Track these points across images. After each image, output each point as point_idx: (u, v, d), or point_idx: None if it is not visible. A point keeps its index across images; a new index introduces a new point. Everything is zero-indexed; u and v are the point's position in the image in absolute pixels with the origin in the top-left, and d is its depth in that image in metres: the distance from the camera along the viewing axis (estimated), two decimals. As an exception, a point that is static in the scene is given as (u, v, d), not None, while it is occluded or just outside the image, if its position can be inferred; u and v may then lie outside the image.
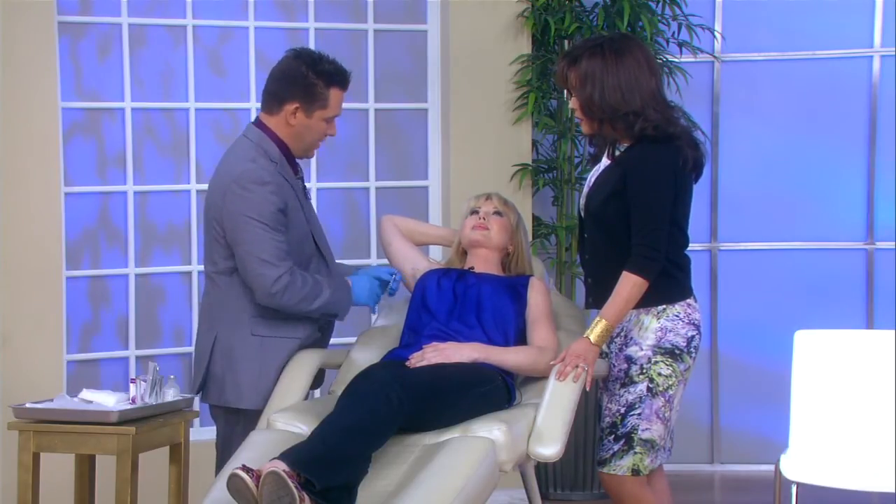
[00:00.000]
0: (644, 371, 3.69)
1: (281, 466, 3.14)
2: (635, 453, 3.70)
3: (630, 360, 3.71)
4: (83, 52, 5.26)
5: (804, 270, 6.26)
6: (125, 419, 3.61)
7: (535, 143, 5.82)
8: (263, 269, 3.70)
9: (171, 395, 3.78)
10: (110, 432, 3.59)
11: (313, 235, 3.91)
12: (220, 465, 3.85)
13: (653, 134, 3.65)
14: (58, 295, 5.08)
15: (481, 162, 5.60)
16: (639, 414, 3.69)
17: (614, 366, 3.75)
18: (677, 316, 3.70)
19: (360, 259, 5.65)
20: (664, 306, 3.69)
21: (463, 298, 3.91)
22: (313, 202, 5.49)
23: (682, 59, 5.82)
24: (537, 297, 3.93)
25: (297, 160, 3.96)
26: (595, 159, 3.88)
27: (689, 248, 3.78)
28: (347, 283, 3.89)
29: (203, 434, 5.13)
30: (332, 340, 4.09)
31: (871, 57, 6.19)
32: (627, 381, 3.71)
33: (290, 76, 3.82)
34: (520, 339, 3.88)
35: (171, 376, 3.82)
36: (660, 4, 5.72)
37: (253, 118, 4.10)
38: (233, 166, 3.81)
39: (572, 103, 3.75)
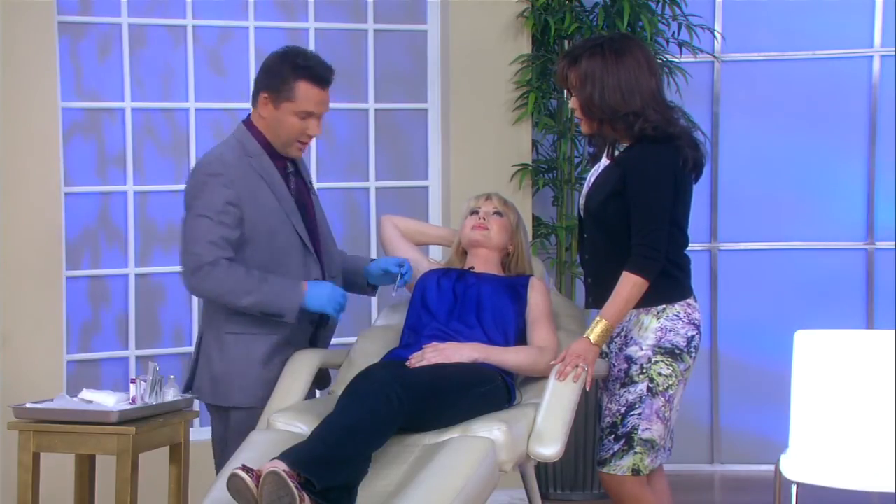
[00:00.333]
0: (644, 371, 3.69)
1: (281, 466, 3.14)
2: (635, 453, 3.70)
3: (630, 359, 3.71)
4: (83, 52, 5.26)
5: (804, 270, 6.26)
6: (125, 419, 3.61)
7: (535, 143, 5.82)
8: (189, 255, 3.75)
9: (171, 395, 3.78)
10: (110, 432, 3.59)
11: (297, 230, 3.88)
12: (217, 464, 3.86)
13: (652, 134, 3.65)
14: (58, 295, 5.08)
15: (481, 162, 5.60)
16: (639, 414, 3.69)
17: (614, 366, 3.75)
18: (677, 316, 3.70)
19: (360, 259, 5.65)
20: (664, 306, 3.69)
21: (463, 298, 3.91)
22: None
23: (682, 59, 5.82)
24: (537, 297, 3.93)
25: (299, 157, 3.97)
26: (594, 159, 3.88)
27: (689, 248, 3.78)
28: (299, 287, 3.80)
29: (203, 434, 5.11)
30: (333, 340, 4.09)
31: (871, 57, 6.19)
32: (627, 381, 3.71)
33: (266, 67, 3.90)
34: (520, 339, 3.88)
35: (171, 376, 3.82)
36: (660, 4, 5.73)
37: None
38: (200, 159, 3.92)
39: (572, 103, 3.75)
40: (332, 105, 5.76)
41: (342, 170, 5.68)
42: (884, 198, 6.19)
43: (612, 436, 3.72)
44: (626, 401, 3.71)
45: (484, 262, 4.04)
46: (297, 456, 3.19)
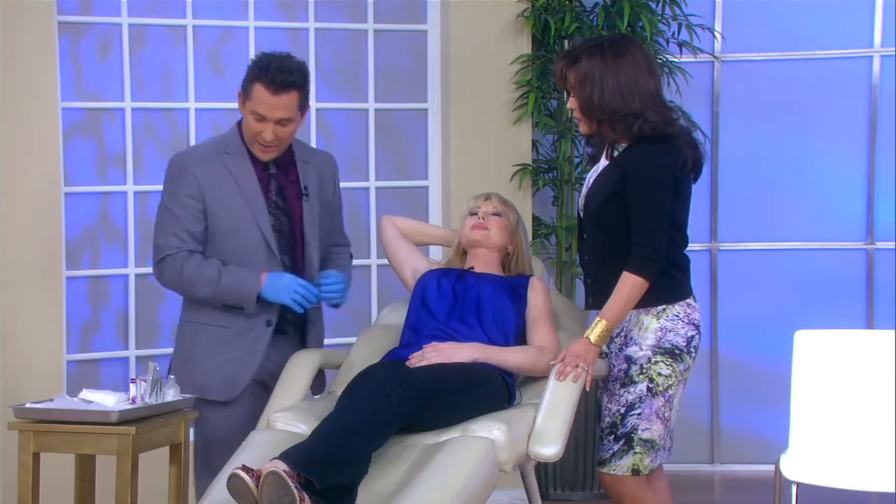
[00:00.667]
0: (644, 371, 3.69)
1: (281, 466, 3.14)
2: (635, 453, 3.70)
3: (630, 360, 3.71)
4: (83, 52, 5.26)
5: (804, 270, 6.26)
6: (125, 419, 3.60)
7: (535, 143, 5.82)
8: (153, 246, 3.92)
9: (171, 395, 3.77)
10: (110, 432, 3.58)
11: (262, 231, 3.88)
12: (196, 454, 3.95)
13: (651, 134, 3.65)
14: (58, 295, 5.08)
15: (481, 162, 5.60)
16: (639, 414, 3.69)
17: (614, 366, 3.75)
18: (677, 316, 3.70)
19: (361, 259, 5.65)
20: (664, 306, 3.69)
21: (463, 298, 3.91)
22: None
23: (682, 59, 5.82)
24: (537, 297, 3.93)
25: (298, 157, 3.99)
26: (593, 160, 3.88)
27: (688, 248, 3.78)
28: (257, 277, 3.84)
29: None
30: (333, 340, 4.10)
31: (871, 57, 6.19)
32: (627, 381, 3.71)
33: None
34: (520, 339, 3.88)
35: (171, 376, 3.82)
36: (660, 4, 5.72)
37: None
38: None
39: (571, 103, 3.75)
40: (332, 105, 5.79)
41: (342, 170, 5.61)
42: (884, 198, 6.19)
43: (612, 436, 3.72)
44: (626, 401, 3.71)
45: (484, 263, 4.04)
46: (297, 456, 3.20)
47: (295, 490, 3.10)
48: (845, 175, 6.26)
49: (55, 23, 5.07)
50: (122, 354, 5.34)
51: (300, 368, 3.88)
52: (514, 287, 3.94)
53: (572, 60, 3.71)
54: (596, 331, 3.62)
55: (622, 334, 3.73)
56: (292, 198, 3.97)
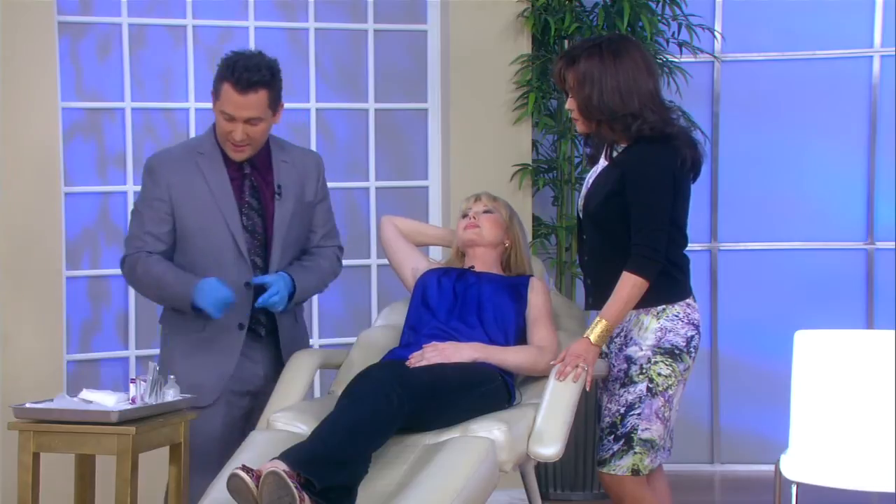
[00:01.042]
0: (644, 371, 3.69)
1: (281, 466, 3.14)
2: (635, 453, 3.70)
3: (630, 360, 3.71)
4: (83, 52, 5.26)
5: (804, 270, 6.27)
6: (125, 419, 3.60)
7: (535, 143, 5.82)
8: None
9: (171, 395, 3.77)
10: (110, 432, 3.58)
11: (232, 232, 3.86)
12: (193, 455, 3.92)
13: (650, 134, 3.65)
14: (58, 295, 5.08)
15: (481, 162, 5.60)
16: (638, 414, 3.69)
17: (614, 366, 3.75)
18: (677, 316, 3.70)
19: (361, 259, 5.65)
20: (664, 306, 3.69)
21: (463, 297, 3.91)
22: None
23: (682, 59, 5.82)
24: (537, 297, 3.93)
25: (282, 158, 3.97)
26: (592, 160, 3.87)
27: (688, 248, 3.78)
28: (193, 283, 3.81)
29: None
30: (333, 340, 4.10)
31: (871, 57, 6.19)
32: (627, 381, 3.71)
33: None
34: (520, 338, 3.88)
35: (171, 376, 3.82)
36: (660, 4, 5.72)
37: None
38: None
39: (569, 103, 3.74)
40: (332, 105, 5.78)
41: (342, 170, 5.68)
42: (884, 198, 6.19)
43: (612, 436, 3.72)
44: (626, 401, 3.71)
45: (483, 262, 4.04)
46: (297, 456, 3.20)
47: (295, 490, 3.10)
48: (845, 175, 6.26)
49: (55, 23, 5.07)
50: (122, 354, 5.34)
51: (300, 368, 3.88)
52: (514, 287, 3.94)
53: (571, 61, 3.71)
54: (596, 331, 3.62)
55: (622, 334, 3.73)
56: (267, 198, 3.94)
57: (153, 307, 5.37)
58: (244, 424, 3.96)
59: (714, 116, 6.29)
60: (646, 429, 3.69)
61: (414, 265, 4.14)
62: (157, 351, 5.31)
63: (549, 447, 3.53)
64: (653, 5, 5.68)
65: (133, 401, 3.68)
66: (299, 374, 3.86)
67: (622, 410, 3.71)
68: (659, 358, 3.68)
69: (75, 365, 5.22)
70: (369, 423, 3.31)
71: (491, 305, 3.88)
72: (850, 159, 6.25)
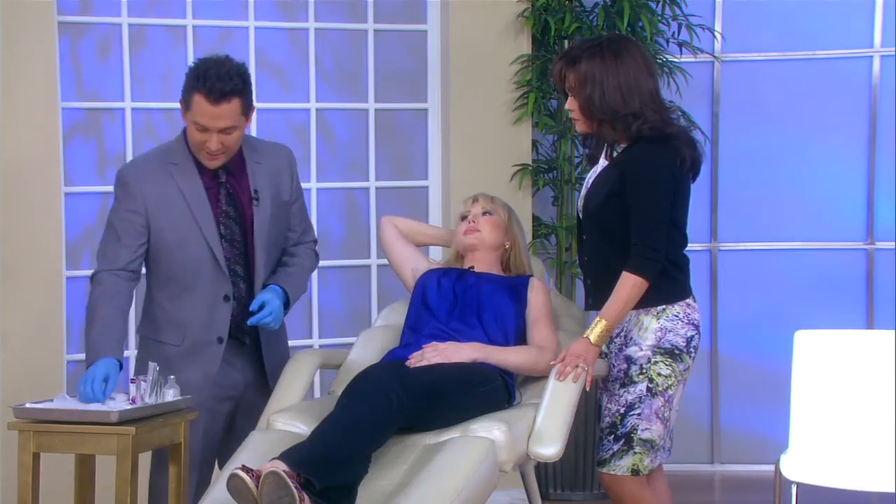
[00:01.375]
0: (644, 371, 3.69)
1: (281, 466, 3.14)
2: (635, 453, 3.70)
3: (630, 360, 3.71)
4: (83, 52, 5.26)
5: (804, 270, 6.26)
6: (125, 419, 3.60)
7: (535, 144, 5.82)
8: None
9: (171, 395, 3.77)
10: (110, 432, 3.58)
11: (209, 244, 3.81)
12: (153, 455, 3.92)
13: (649, 134, 3.65)
14: (58, 295, 5.08)
15: (481, 162, 5.60)
16: (638, 414, 3.69)
17: (614, 366, 3.75)
18: (676, 316, 3.70)
19: (361, 259, 5.65)
20: (663, 306, 3.69)
21: (463, 298, 3.91)
22: (313, 202, 5.50)
23: (682, 59, 5.82)
24: (537, 297, 3.93)
25: (263, 163, 3.92)
26: (591, 160, 3.87)
27: (688, 248, 3.78)
28: (98, 354, 3.68)
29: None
30: (333, 340, 4.09)
31: (871, 57, 6.19)
32: (627, 381, 3.71)
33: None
34: (520, 338, 3.88)
35: (171, 376, 3.82)
36: (660, 4, 5.72)
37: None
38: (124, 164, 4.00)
39: (569, 103, 3.74)
40: (332, 105, 5.78)
41: (342, 170, 5.68)
42: (884, 198, 6.19)
43: (612, 436, 3.72)
44: (626, 401, 3.71)
45: (483, 262, 4.04)
46: (296, 456, 3.20)
47: (295, 490, 3.10)
48: (845, 175, 6.26)
49: (55, 23, 5.07)
50: (122, 354, 5.33)
51: (300, 369, 3.88)
52: (514, 287, 3.94)
53: (571, 61, 3.71)
54: (596, 331, 3.62)
55: (622, 334, 3.73)
56: (244, 204, 3.87)
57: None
58: (225, 427, 3.96)
59: (714, 116, 6.29)
60: (646, 429, 3.69)
61: (414, 265, 4.14)
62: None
63: (549, 447, 3.53)
64: (653, 5, 5.68)
65: (133, 401, 3.68)
66: (299, 375, 3.86)
67: (622, 410, 3.71)
68: (659, 358, 3.68)
69: (75, 365, 5.21)
70: (369, 423, 3.31)
71: (491, 306, 3.88)
72: (850, 159, 6.25)
